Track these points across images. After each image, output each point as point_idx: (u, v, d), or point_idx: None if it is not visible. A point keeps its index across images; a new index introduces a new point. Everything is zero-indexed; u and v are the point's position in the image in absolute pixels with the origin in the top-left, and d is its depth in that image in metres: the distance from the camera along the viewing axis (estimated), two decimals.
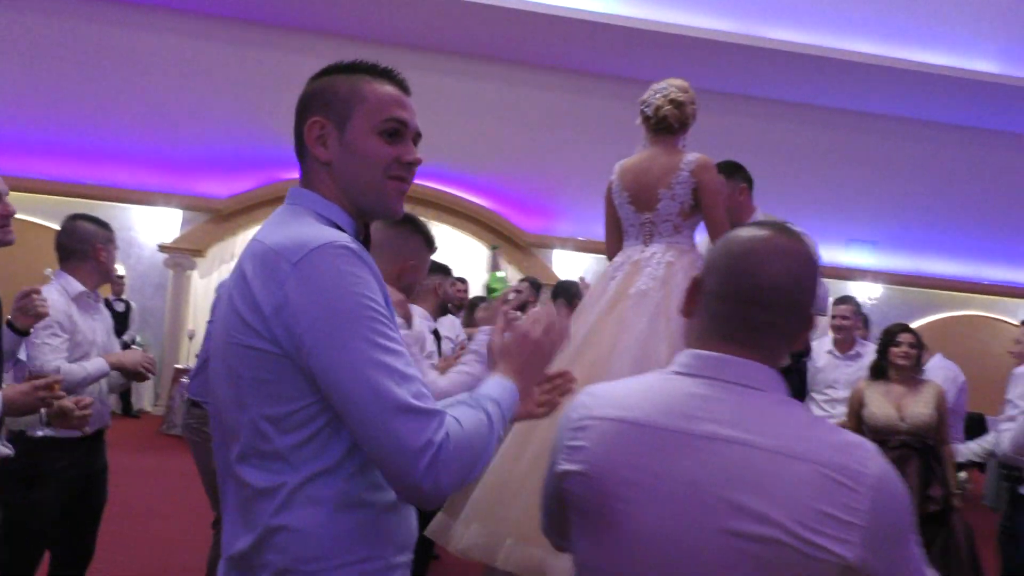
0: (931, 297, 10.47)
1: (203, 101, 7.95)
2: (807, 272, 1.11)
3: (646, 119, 2.66)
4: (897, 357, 3.53)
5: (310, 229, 1.12)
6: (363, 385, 1.05)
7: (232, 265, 6.56)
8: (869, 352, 4.06)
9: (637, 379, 1.18)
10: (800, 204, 9.01)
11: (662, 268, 2.48)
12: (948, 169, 9.12)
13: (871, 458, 1.01)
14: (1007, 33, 7.62)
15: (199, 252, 8.58)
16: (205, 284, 8.55)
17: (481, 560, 2.36)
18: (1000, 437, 3.09)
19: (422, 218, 7.67)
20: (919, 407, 3.39)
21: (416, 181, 4.48)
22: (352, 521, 1.12)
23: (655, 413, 1.08)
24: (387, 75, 1.24)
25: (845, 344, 4.12)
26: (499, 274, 2.51)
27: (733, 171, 3.14)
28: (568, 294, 3.75)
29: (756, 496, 1.00)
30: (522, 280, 4.41)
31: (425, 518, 2.17)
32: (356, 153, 1.20)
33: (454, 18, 7.23)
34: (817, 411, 3.96)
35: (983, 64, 7.82)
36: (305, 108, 1.22)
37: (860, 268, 9.91)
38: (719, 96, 8.21)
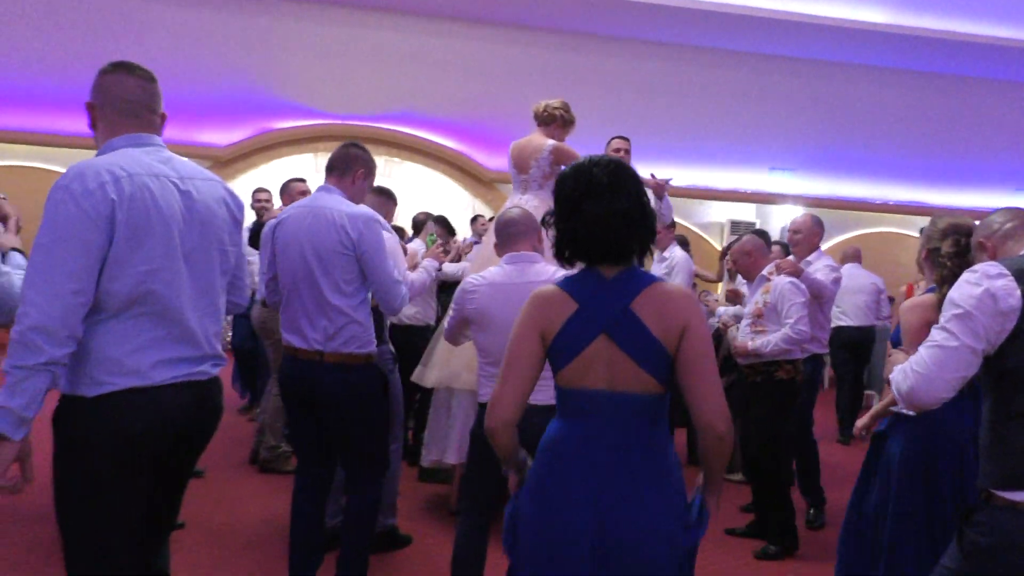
0: (847, 217, 11.89)
1: (201, 61, 9.05)
2: (528, 218, 2.72)
3: (534, 113, 4.21)
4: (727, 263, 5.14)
5: (363, 208, 2.79)
6: (383, 269, 2.71)
7: None
8: (676, 254, 5.24)
9: (491, 269, 2.76)
10: (729, 138, 10.42)
11: (530, 209, 3.97)
12: (855, 104, 10.46)
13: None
14: None
15: None
16: None
17: (437, 385, 4.04)
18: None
19: (396, 159, 9.36)
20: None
21: (391, 127, 6.56)
22: (371, 318, 2.79)
23: (503, 278, 2.65)
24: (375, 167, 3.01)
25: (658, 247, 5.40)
26: (433, 236, 4.42)
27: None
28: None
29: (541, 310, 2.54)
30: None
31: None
32: (361, 189, 2.94)
33: None
34: None
35: (873, 15, 9.13)
36: (358, 160, 2.89)
37: (781, 193, 11.32)
38: (663, 47, 9.45)
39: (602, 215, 1.73)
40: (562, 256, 1.82)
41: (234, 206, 2.13)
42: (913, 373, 1.76)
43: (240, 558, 3.49)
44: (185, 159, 2.08)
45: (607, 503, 1.67)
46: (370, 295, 2.92)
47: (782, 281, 3.98)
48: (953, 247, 2.46)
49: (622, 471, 1.68)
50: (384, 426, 3.00)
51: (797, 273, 4.03)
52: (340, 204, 2.80)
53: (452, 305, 2.80)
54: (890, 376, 1.88)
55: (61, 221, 1.76)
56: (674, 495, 1.71)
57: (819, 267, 4.10)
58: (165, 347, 1.88)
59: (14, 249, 2.16)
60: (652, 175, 4.25)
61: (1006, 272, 1.71)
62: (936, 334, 1.76)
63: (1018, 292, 1.68)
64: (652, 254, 6.45)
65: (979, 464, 1.80)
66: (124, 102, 1.98)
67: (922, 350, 1.77)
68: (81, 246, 1.76)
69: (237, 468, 4.79)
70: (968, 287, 1.73)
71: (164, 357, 1.88)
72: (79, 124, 9.46)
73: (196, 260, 1.98)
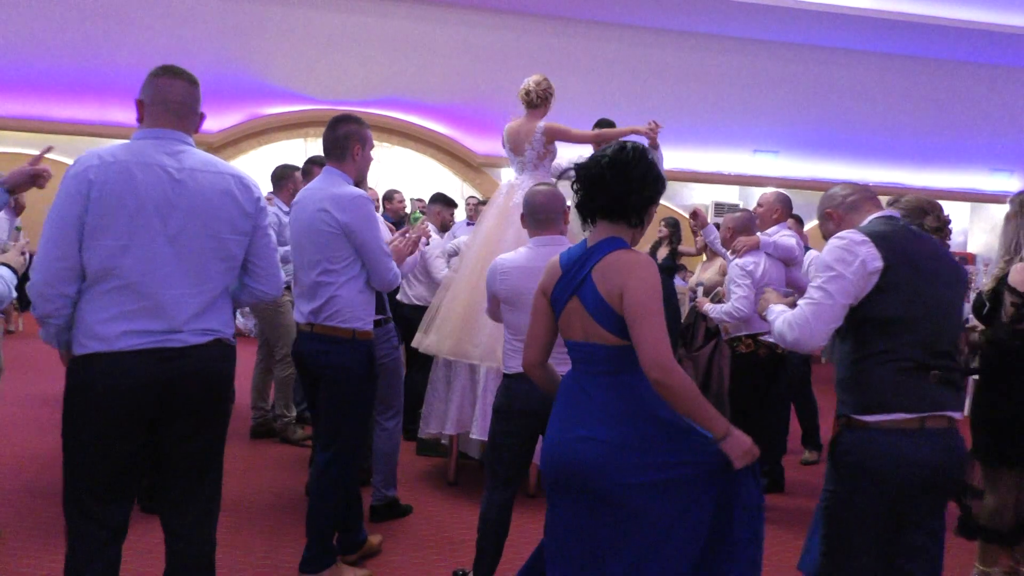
0: None
1: (191, 47, 9.10)
2: (555, 196, 2.86)
3: (523, 99, 4.28)
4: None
5: (353, 188, 2.89)
6: (373, 244, 2.85)
7: None
8: None
9: (520, 251, 2.91)
10: (713, 121, 10.60)
11: (527, 190, 4.11)
12: (837, 87, 10.67)
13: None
14: None
15: None
16: None
17: (438, 354, 4.16)
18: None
19: (386, 144, 9.58)
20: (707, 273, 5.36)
21: (380, 112, 6.83)
22: (363, 295, 2.93)
23: (526, 262, 2.81)
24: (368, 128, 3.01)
25: None
26: (418, 213, 4.53)
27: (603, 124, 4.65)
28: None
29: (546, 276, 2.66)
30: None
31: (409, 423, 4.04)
32: (365, 159, 3.01)
33: None
34: None
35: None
36: (350, 137, 2.94)
37: (765, 175, 11.51)
38: (649, 32, 9.61)
39: (636, 176, 2.01)
40: (588, 218, 2.11)
41: (243, 199, 2.24)
42: (797, 327, 2.14)
43: (255, 523, 3.68)
44: (202, 153, 2.25)
45: (564, 426, 2.05)
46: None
47: (732, 264, 4.30)
48: (936, 222, 2.81)
49: (583, 404, 2.05)
50: (358, 413, 3.03)
51: (755, 246, 4.23)
52: (330, 186, 2.93)
53: (487, 285, 2.93)
54: (772, 323, 2.28)
55: (58, 199, 2.08)
56: (628, 433, 1.99)
57: (778, 237, 4.33)
58: (133, 319, 2.09)
59: (3, 263, 2.44)
60: (648, 122, 4.21)
61: (868, 239, 2.08)
62: (815, 293, 2.13)
63: (880, 255, 2.06)
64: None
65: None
66: (164, 101, 2.22)
67: (804, 306, 2.14)
68: (63, 220, 2.06)
69: (245, 442, 4.96)
70: (842, 252, 2.09)
71: (131, 328, 2.08)
72: (72, 111, 9.59)
73: (184, 244, 2.14)
